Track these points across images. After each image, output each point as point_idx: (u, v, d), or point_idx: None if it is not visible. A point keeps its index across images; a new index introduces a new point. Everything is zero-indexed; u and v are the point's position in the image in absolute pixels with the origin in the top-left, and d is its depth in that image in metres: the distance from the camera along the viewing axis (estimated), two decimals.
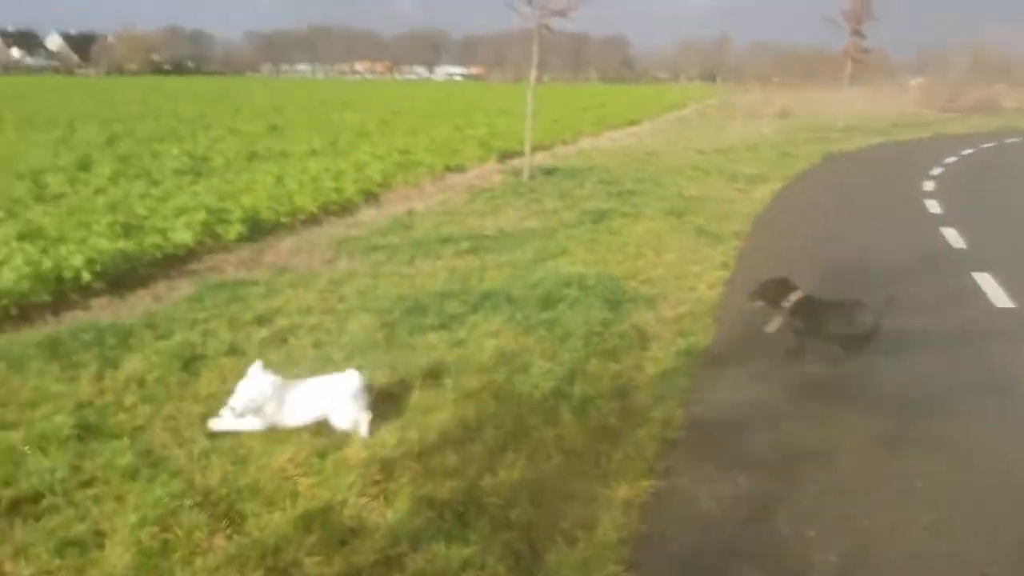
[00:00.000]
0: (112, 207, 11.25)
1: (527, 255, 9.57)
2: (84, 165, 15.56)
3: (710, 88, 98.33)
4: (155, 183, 13.94)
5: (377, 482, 4.28)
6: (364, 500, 4.14)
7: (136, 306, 7.68)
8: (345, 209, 12.78)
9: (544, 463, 4.63)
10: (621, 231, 11.20)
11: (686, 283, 8.44)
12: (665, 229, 11.43)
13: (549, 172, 17.20)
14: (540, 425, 5.06)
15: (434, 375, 5.75)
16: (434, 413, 5.15)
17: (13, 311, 7.23)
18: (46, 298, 7.57)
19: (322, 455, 4.62)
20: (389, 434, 4.83)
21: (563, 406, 5.31)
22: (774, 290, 6.45)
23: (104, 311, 7.51)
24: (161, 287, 8.35)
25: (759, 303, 6.57)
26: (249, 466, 4.48)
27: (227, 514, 4.03)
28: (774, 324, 6.43)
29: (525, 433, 4.95)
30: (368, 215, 12.44)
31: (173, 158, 16.81)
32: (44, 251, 8.49)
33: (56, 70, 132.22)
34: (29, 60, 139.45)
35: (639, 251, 9.92)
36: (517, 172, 16.79)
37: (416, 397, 5.36)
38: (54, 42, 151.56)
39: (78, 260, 8.05)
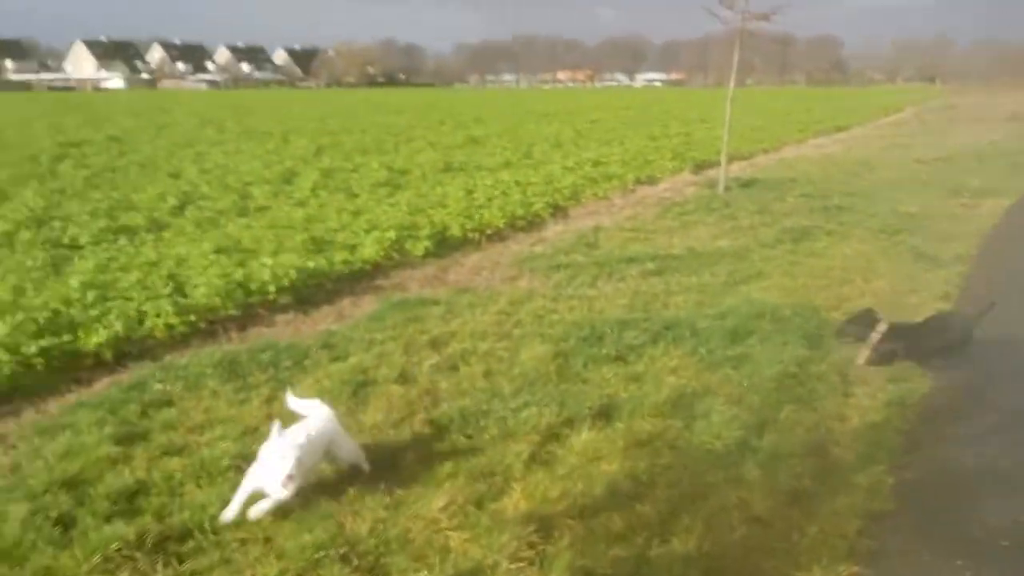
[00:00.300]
0: (308, 221, 11.57)
1: (717, 279, 8.92)
2: (289, 178, 16.26)
3: (930, 90, 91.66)
4: (353, 196, 14.30)
5: (533, 545, 3.89)
6: (517, 565, 3.76)
7: (319, 323, 7.73)
8: (532, 224, 12.57)
9: (724, 532, 4.08)
10: (825, 252, 10.29)
11: (900, 316, 7.50)
12: (876, 251, 10.39)
13: (746, 184, 16.30)
14: (721, 484, 4.51)
15: (605, 416, 5.31)
16: (602, 462, 4.71)
17: (202, 325, 7.44)
18: (234, 313, 7.77)
19: (479, 504, 4.30)
20: (552, 485, 4.44)
21: (749, 462, 4.73)
22: (860, 323, 6.59)
23: (288, 328, 7.61)
24: (346, 304, 8.40)
25: (847, 339, 6.62)
26: (401, 513, 4.22)
27: (372, 569, 3.78)
28: (863, 356, 6.38)
29: (703, 493, 4.42)
30: (554, 231, 12.15)
31: (373, 171, 17.26)
32: (239, 265, 8.77)
33: (281, 83, 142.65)
34: (257, 74, 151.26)
35: (845, 276, 9.02)
36: (712, 184, 16.02)
37: (584, 440, 4.94)
38: (280, 57, 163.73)
39: (267, 275, 8.22)
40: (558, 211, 13.69)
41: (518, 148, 23.12)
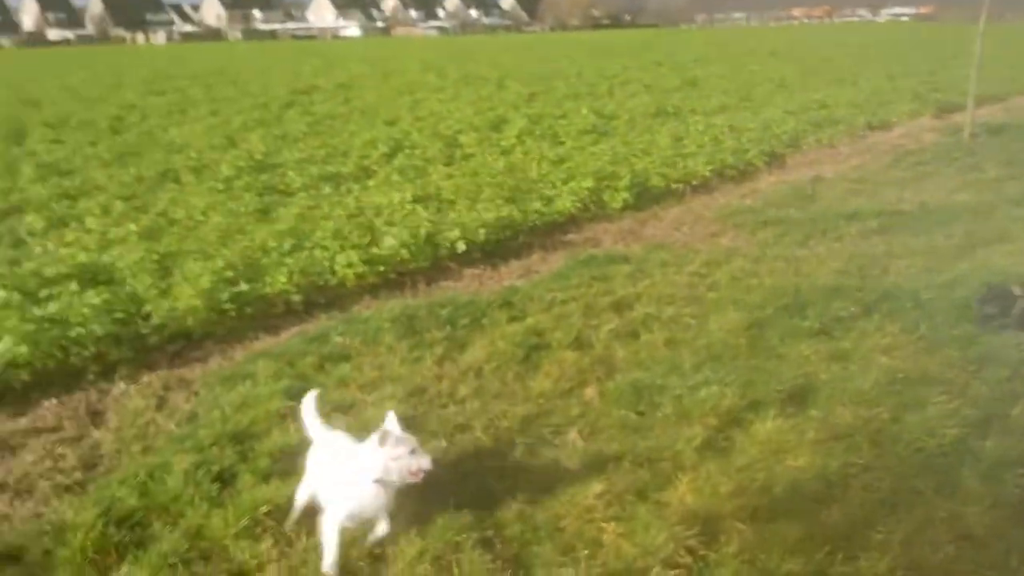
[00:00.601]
0: (509, 170, 11.39)
1: (951, 240, 7.85)
2: (497, 125, 16.17)
3: None
4: (558, 144, 13.98)
5: (693, 550, 3.45)
6: (674, 573, 3.34)
7: (505, 278, 7.55)
8: (743, 174, 11.73)
9: (925, 551, 3.46)
10: None
11: None
12: None
13: (997, 130, 14.44)
14: (930, 493, 3.85)
15: (798, 400, 4.72)
16: (787, 455, 4.16)
17: (391, 276, 7.43)
18: (424, 265, 7.71)
19: (641, 494, 3.90)
20: (725, 479, 3.95)
21: (967, 467, 4.02)
22: (1000, 298, 5.78)
23: (473, 282, 7.48)
24: (535, 258, 8.15)
25: (989, 311, 5.75)
26: (555, 497, 3.90)
27: (514, 558, 3.50)
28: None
29: (907, 502, 3.79)
30: (767, 181, 11.28)
31: (581, 117, 16.84)
32: (435, 215, 8.72)
33: (507, 28, 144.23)
34: (485, 19, 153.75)
35: None
36: (955, 130, 14.33)
37: (769, 428, 4.39)
38: (507, 1, 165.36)
39: (458, 228, 8.09)
40: (774, 160, 12.72)
41: (737, 91, 21.86)
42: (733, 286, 6.71)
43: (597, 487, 3.92)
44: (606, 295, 6.64)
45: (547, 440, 4.48)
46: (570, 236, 8.88)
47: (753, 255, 7.60)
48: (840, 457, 4.11)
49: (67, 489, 4.25)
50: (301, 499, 3.73)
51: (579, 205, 9.48)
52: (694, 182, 10.91)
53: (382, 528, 3.54)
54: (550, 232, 8.90)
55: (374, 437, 3.39)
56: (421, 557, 3.44)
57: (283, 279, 6.83)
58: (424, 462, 3.37)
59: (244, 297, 6.62)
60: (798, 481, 3.93)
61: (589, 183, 9.92)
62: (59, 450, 4.65)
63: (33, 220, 9.13)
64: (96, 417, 5.08)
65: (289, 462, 4.25)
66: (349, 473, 3.43)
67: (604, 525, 3.65)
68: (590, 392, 4.99)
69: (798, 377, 4.97)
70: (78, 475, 4.38)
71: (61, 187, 10.86)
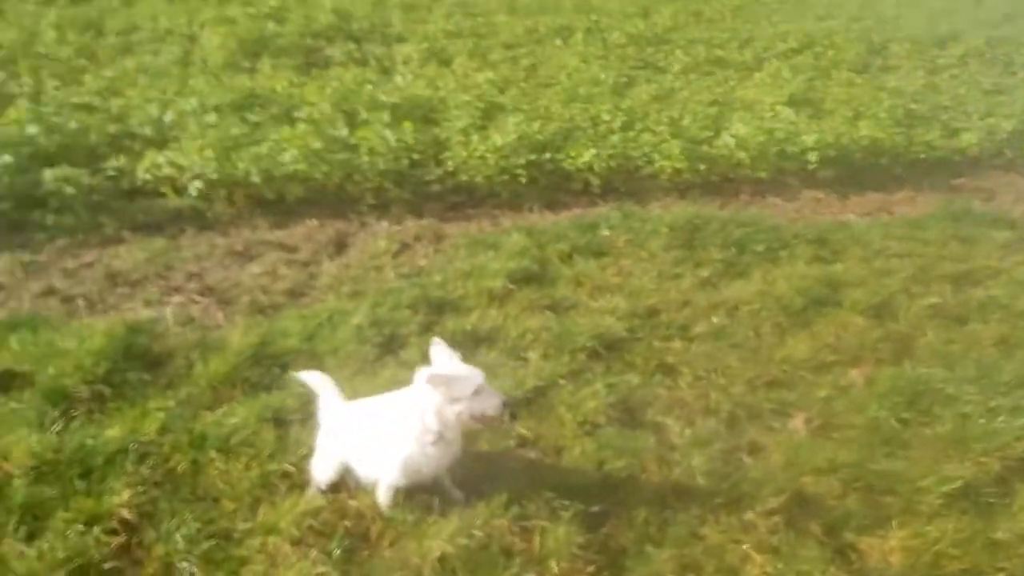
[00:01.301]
0: (926, 88, 9.45)
1: None
2: (942, 41, 13.51)
3: None
4: (1009, 73, 11.41)
5: None
6: None
7: (846, 209, 6.45)
8: None
9: None
10: None
11: None
12: None
13: None
14: None
15: None
16: None
17: (714, 179, 6.50)
18: (760, 175, 6.64)
19: (831, 529, 2.91)
20: (961, 550, 2.76)
21: None
22: None
23: (805, 207, 6.46)
24: (899, 196, 6.76)
25: None
26: (718, 493, 3.02)
27: (620, 553, 2.77)
28: None
29: None
30: None
31: None
32: (808, 120, 7.45)
33: None
34: None
35: None
36: None
37: None
38: None
39: (811, 140, 6.82)
40: None
41: None
42: None
43: (775, 500, 2.95)
44: (955, 262, 5.17)
45: (762, 416, 3.54)
46: (960, 180, 7.17)
47: None
48: None
49: (260, 310, 4.21)
50: (323, 476, 2.88)
51: (990, 146, 7.58)
52: None
53: (454, 496, 2.90)
54: (936, 170, 7.23)
55: (419, 377, 2.63)
56: (506, 509, 2.80)
57: (590, 155, 6.20)
58: (493, 403, 2.59)
59: (541, 166, 6.17)
60: None
61: (1013, 123, 7.86)
62: (282, 270, 4.65)
63: (411, 51, 9.39)
64: (337, 248, 5.02)
65: (469, 347, 3.79)
66: (390, 431, 2.70)
67: (753, 553, 2.72)
68: (856, 375, 3.86)
69: None
70: (279, 299, 4.34)
71: (458, 26, 11.10)
